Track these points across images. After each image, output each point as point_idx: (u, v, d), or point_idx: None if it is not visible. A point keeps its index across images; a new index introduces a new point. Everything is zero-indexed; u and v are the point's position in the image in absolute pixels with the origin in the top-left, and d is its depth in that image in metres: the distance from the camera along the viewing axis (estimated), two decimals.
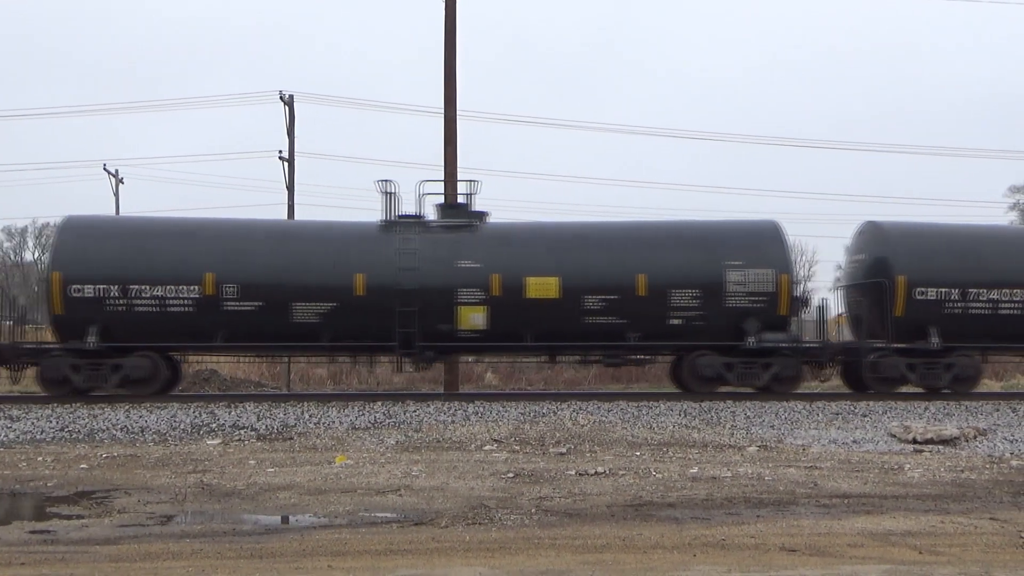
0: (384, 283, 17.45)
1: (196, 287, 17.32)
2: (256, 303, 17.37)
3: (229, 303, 17.36)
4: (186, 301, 17.31)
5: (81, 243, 17.68)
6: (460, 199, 19.21)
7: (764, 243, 18.30)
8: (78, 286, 17.22)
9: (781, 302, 17.87)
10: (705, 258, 17.99)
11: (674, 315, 17.75)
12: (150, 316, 17.30)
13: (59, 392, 17.38)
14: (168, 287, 17.29)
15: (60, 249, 17.69)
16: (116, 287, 17.23)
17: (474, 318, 17.60)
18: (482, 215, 18.51)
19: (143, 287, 17.26)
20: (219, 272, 17.38)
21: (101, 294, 17.23)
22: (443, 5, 22.40)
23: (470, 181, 18.64)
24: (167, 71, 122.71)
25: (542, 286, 17.65)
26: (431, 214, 18.69)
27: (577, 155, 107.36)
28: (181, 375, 19.65)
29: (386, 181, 18.46)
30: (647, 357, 19.28)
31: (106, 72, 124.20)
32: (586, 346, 18.24)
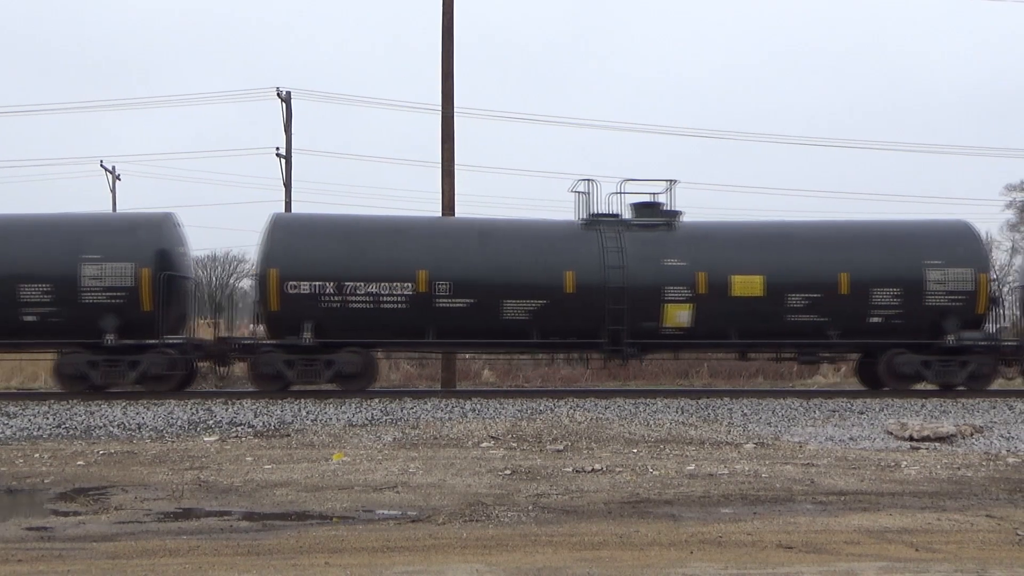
0: (592, 281, 17.77)
1: (410, 284, 17.63)
2: (468, 300, 17.68)
3: (441, 300, 17.66)
4: (399, 298, 17.62)
5: (296, 241, 18.00)
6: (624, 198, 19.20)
7: (963, 242, 18.70)
8: (294, 283, 17.51)
9: (979, 301, 18.26)
10: (906, 257, 18.36)
11: (874, 313, 18.12)
12: (364, 312, 17.61)
13: (270, 388, 17.71)
14: (382, 284, 17.62)
15: (275, 247, 17.87)
16: (332, 284, 17.54)
17: (680, 316, 17.92)
18: (677, 214, 18.88)
19: (358, 284, 17.59)
20: (432, 269, 17.69)
21: (317, 291, 17.53)
22: (440, 3, 22.40)
23: (670, 181, 18.95)
24: (166, 69, 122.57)
25: (747, 284, 17.96)
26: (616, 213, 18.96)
27: (553, 151, 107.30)
28: (378, 371, 19.76)
29: (587, 180, 18.93)
30: (838, 355, 19.92)
31: (100, 69, 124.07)
32: (789, 343, 18.63)
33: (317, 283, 17.48)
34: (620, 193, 18.84)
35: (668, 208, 18.79)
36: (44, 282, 17.34)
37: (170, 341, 17.70)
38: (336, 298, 17.49)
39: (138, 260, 17.45)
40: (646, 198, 18.94)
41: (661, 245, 18.16)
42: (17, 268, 17.41)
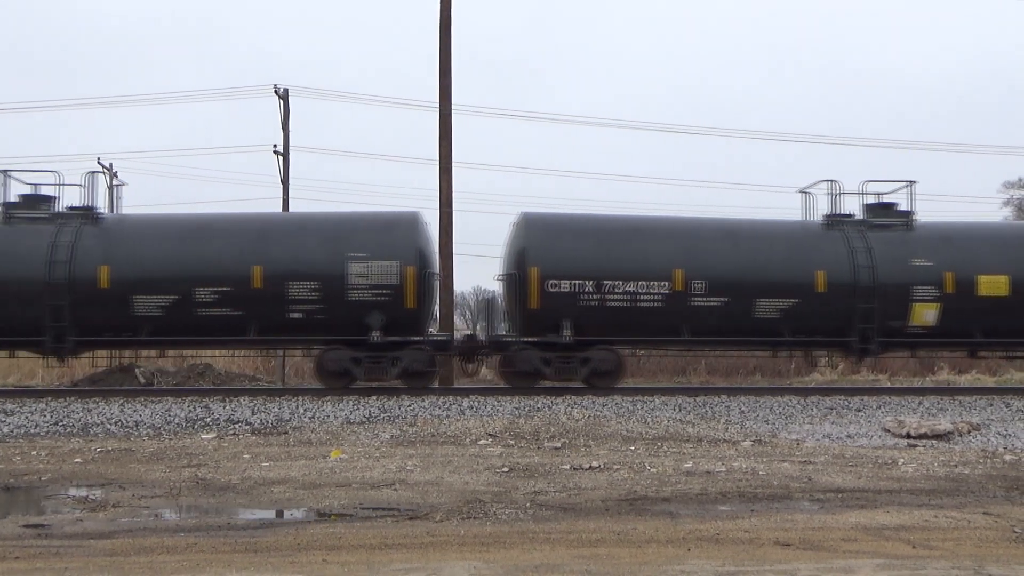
0: (842, 280, 18.19)
1: (666, 283, 17.94)
2: (722, 299, 18.02)
3: (696, 299, 17.96)
4: (655, 297, 17.93)
5: (554, 240, 18.33)
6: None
7: None
8: (554, 281, 17.83)
9: None
10: None
11: None
12: (621, 311, 17.95)
13: (522, 384, 18.15)
14: (639, 283, 17.93)
15: (534, 245, 18.17)
16: (591, 283, 17.87)
17: (926, 315, 18.35)
18: (911, 214, 19.17)
19: (616, 282, 17.92)
20: (687, 268, 17.99)
21: (576, 289, 17.84)
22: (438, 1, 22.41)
23: (911, 182, 19.24)
24: (163, 65, 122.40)
25: (992, 284, 18.40)
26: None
27: (536, 147, 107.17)
28: (625, 369, 20.04)
29: (831, 181, 19.31)
30: None
31: (96, 66, 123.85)
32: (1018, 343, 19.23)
33: (576, 282, 17.91)
34: (861, 194, 19.34)
35: (903, 209, 19.21)
36: (312, 280, 17.61)
37: (434, 338, 18.40)
38: (595, 296, 17.89)
39: (403, 258, 17.82)
40: (871, 198, 19.32)
41: (906, 245, 18.63)
42: (286, 267, 17.66)
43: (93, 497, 9.27)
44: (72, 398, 16.98)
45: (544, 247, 18.11)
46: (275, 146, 36.29)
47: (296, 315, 17.63)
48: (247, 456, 11.73)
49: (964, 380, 27.13)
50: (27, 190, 18.66)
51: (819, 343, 18.99)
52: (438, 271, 19.68)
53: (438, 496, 9.09)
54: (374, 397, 16.98)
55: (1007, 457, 12.09)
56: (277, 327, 17.79)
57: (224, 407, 15.95)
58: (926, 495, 9.28)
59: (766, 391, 18.57)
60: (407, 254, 17.82)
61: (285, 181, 35.60)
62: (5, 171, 18.55)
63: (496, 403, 16.33)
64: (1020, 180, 51.63)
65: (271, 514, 8.54)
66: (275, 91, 35.89)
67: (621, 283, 17.84)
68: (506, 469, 10.59)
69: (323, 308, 17.58)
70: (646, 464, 10.95)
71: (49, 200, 18.50)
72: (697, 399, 17.13)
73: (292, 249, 17.81)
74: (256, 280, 17.54)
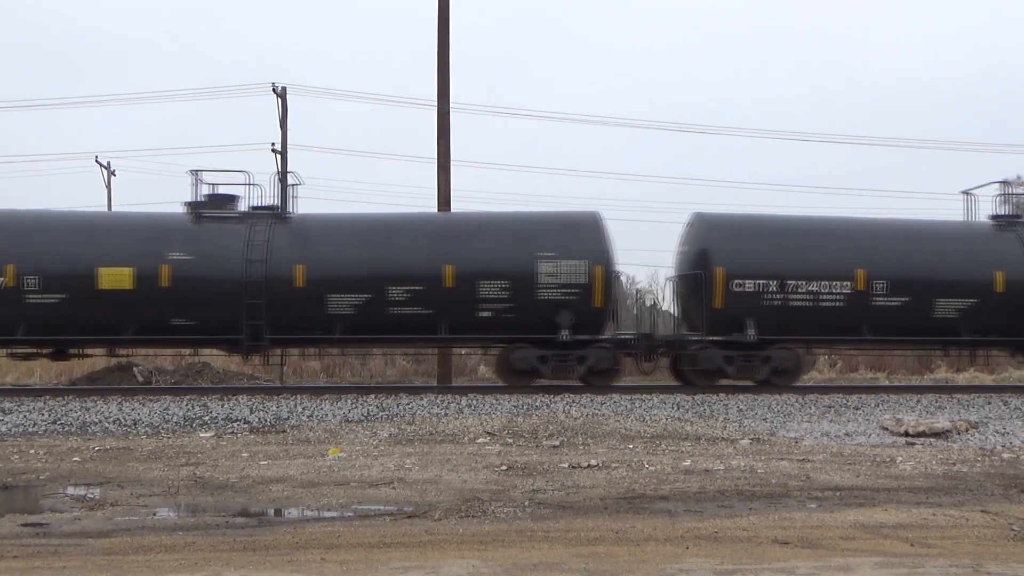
0: (1020, 279, 18.62)
1: (848, 282, 18.35)
2: (902, 299, 18.43)
3: (877, 298, 18.40)
4: (837, 296, 18.34)
5: (737, 240, 18.73)
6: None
7: None
8: (739, 281, 18.19)
9: None
10: None
11: None
12: (803, 310, 18.33)
13: (702, 382, 18.62)
14: (821, 282, 18.33)
15: (717, 246, 18.55)
16: (775, 282, 18.27)
17: None
18: None
19: (799, 282, 18.29)
20: (869, 268, 18.40)
21: (760, 289, 18.24)
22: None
23: None
24: (162, 63, 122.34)
25: None
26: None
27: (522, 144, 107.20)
28: (803, 368, 20.37)
29: (1003, 183, 19.85)
30: None
31: (92, 63, 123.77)
32: None
33: (760, 281, 18.32)
34: (1008, 194, 19.86)
35: None
36: (502, 279, 17.92)
37: (620, 336, 18.70)
38: (778, 296, 18.31)
39: (591, 257, 18.23)
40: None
41: None
42: (477, 266, 18.01)
43: (91, 496, 9.27)
44: (70, 397, 16.98)
45: (728, 248, 18.61)
46: (273, 144, 36.31)
47: (486, 313, 18.02)
48: (245, 455, 11.72)
49: (962, 379, 27.17)
50: (205, 189, 18.96)
51: (995, 342, 19.43)
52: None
53: (436, 494, 9.09)
54: (372, 395, 17.00)
55: (1005, 455, 12.10)
56: (466, 325, 18.12)
57: (222, 406, 15.96)
58: (924, 493, 9.28)
59: (764, 389, 18.58)
60: (595, 253, 18.30)
61: (283, 179, 35.62)
62: (196, 170, 18.80)
63: (495, 401, 16.34)
64: (1019, 178, 51.66)
65: (269, 512, 8.54)
66: (273, 89, 35.93)
67: (804, 283, 18.32)
68: (504, 467, 10.60)
69: (512, 307, 17.99)
70: (644, 462, 10.95)
71: (234, 199, 18.80)
72: (695, 397, 17.14)
73: (483, 249, 18.24)
74: (448, 279, 17.89)
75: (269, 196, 19.14)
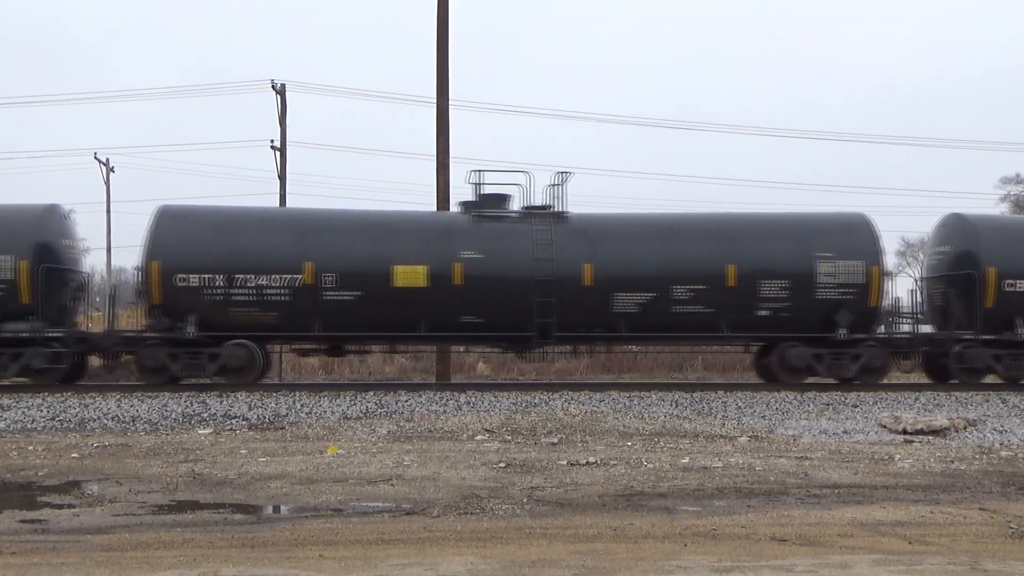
0: None
1: None
2: None
3: None
4: None
5: (1007, 242, 19.22)
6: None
7: None
8: (1011, 281, 18.88)
9: None
10: None
11: None
12: None
13: (972, 380, 18.91)
14: None
15: (987, 248, 19.12)
16: None
17: None
18: None
19: None
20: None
21: None
22: None
23: None
24: (160, 60, 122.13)
25: None
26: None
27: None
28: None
29: None
30: None
31: (89, 61, 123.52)
32: None
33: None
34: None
35: None
36: (782, 278, 18.24)
37: (895, 336, 19.19)
38: None
39: (867, 258, 18.58)
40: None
41: None
42: (758, 266, 18.35)
43: (90, 492, 9.27)
44: (69, 393, 16.96)
45: (999, 248, 19.06)
46: (272, 141, 36.28)
47: (764, 312, 18.34)
48: (244, 451, 11.72)
49: None
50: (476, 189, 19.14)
51: None
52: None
53: (435, 491, 9.09)
54: (371, 392, 17.00)
55: (1003, 453, 12.11)
56: (745, 324, 18.38)
57: (221, 402, 15.95)
58: (922, 491, 9.29)
59: (763, 387, 18.58)
60: (870, 254, 18.64)
61: (282, 176, 35.58)
62: (478, 170, 19.00)
63: (493, 398, 16.34)
64: (1017, 175, 51.71)
65: (268, 509, 8.54)
66: (272, 86, 35.88)
67: None
68: (503, 465, 10.60)
69: (790, 306, 18.33)
70: (643, 460, 10.95)
71: (507, 199, 19.00)
72: (694, 395, 17.15)
73: (763, 249, 18.57)
74: (730, 278, 18.17)
75: (530, 195, 19.25)
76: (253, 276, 17.61)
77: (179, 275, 17.54)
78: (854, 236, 18.84)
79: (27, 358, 17.53)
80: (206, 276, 17.56)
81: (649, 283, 18.10)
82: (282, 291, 17.69)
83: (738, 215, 20.04)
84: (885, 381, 19.45)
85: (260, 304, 17.66)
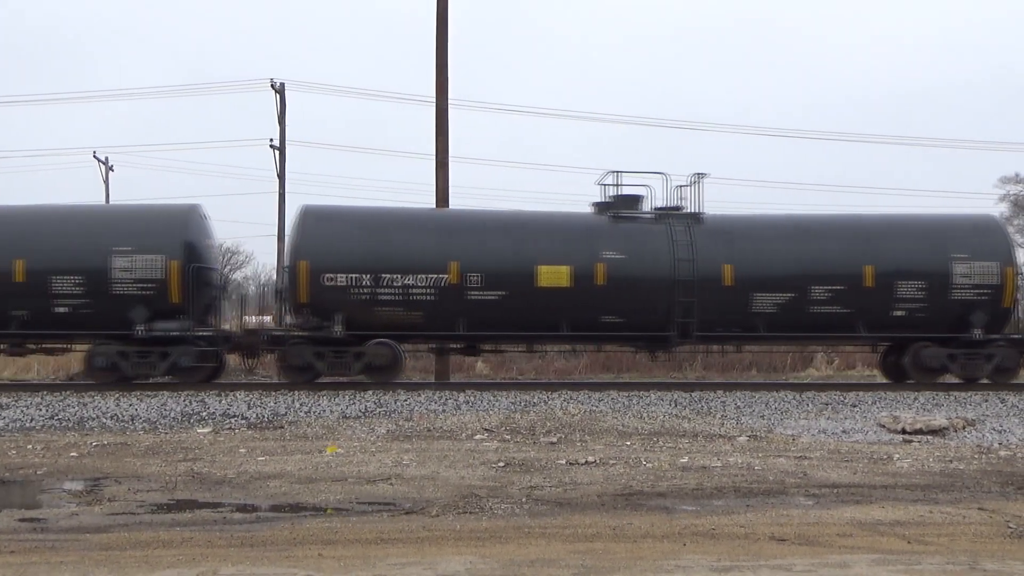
0: None
1: None
2: None
3: None
4: None
5: None
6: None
7: None
8: None
9: None
10: None
11: None
12: None
13: None
14: None
15: None
16: None
17: None
18: None
19: None
20: None
21: None
22: None
23: None
24: (159, 59, 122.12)
25: None
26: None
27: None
28: None
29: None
30: None
31: (88, 61, 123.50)
32: None
33: None
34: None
35: None
36: (918, 279, 18.54)
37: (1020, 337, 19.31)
38: None
39: (1001, 259, 18.84)
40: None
41: None
42: (895, 266, 18.60)
43: (89, 491, 9.26)
44: (68, 392, 16.95)
45: None
46: (271, 140, 36.27)
47: (899, 313, 18.59)
48: (243, 450, 11.72)
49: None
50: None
51: None
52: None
53: (434, 491, 9.09)
54: (370, 392, 17.00)
55: (1002, 453, 12.11)
56: (880, 324, 18.60)
57: (220, 401, 15.94)
58: (921, 490, 9.29)
59: (762, 386, 18.59)
60: (1004, 255, 18.91)
61: (282, 175, 35.57)
62: (615, 171, 19.18)
63: (492, 398, 16.33)
64: (1017, 175, 51.73)
65: (267, 508, 8.53)
66: (272, 85, 35.87)
67: None
68: (502, 464, 10.60)
69: (925, 306, 18.55)
70: (642, 459, 10.95)
71: (639, 199, 19.11)
72: (693, 394, 17.15)
73: (900, 250, 18.83)
74: (868, 279, 18.39)
75: (678, 197, 19.38)
76: (399, 276, 17.79)
77: (327, 275, 17.71)
78: (988, 237, 19.10)
79: (175, 356, 17.67)
80: (353, 276, 17.74)
81: (788, 283, 18.33)
82: (428, 291, 17.89)
83: (872, 216, 20.30)
84: (883, 380, 19.43)
85: (405, 303, 17.85)
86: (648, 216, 18.97)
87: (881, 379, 20.92)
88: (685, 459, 10.99)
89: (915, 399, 16.80)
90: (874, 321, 18.50)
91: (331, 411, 15.26)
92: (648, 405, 15.93)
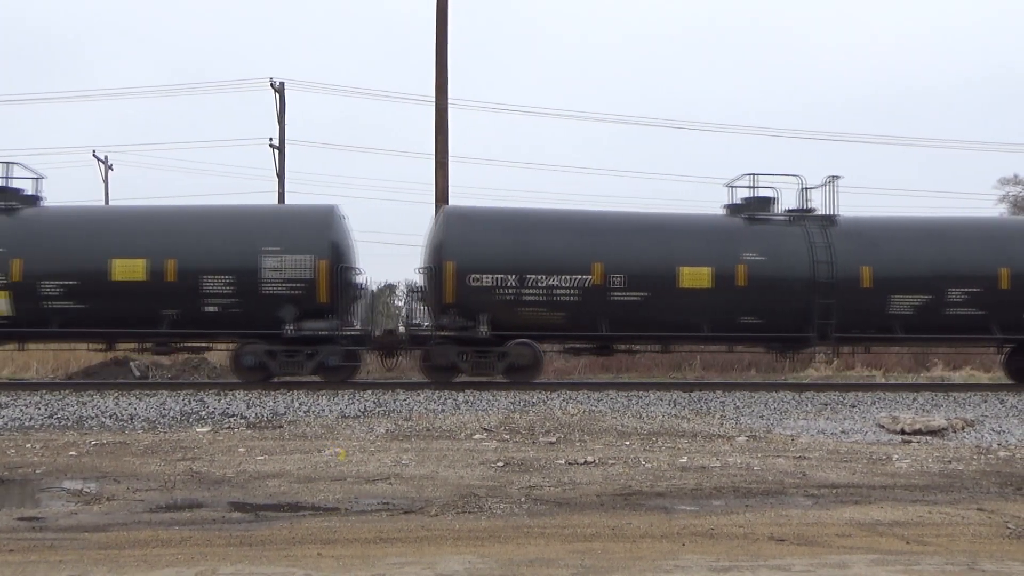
0: None
1: None
2: None
3: None
4: None
5: None
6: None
7: None
8: None
9: None
10: None
11: None
12: None
13: None
14: None
15: None
16: None
17: None
18: None
19: None
20: None
21: None
22: None
23: None
24: (159, 58, 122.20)
25: None
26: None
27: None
28: None
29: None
30: None
31: (88, 60, 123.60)
32: None
33: None
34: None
35: None
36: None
37: None
38: None
39: None
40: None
41: None
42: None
43: (88, 490, 9.26)
44: (67, 391, 16.96)
45: None
46: (271, 139, 36.29)
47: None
48: (242, 450, 11.72)
49: (958, 376, 27.20)
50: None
51: None
52: None
53: (433, 490, 9.09)
54: (369, 391, 17.01)
55: (1001, 453, 12.12)
56: (1014, 325, 19.00)
57: (219, 401, 15.95)
58: (920, 491, 9.30)
59: (761, 387, 18.62)
60: None
61: (281, 174, 35.59)
62: (752, 174, 19.35)
63: (491, 398, 16.34)
64: (1016, 176, 51.77)
65: (266, 508, 8.53)
66: (271, 84, 35.89)
67: None
68: (501, 463, 10.60)
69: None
70: (641, 459, 10.96)
71: (771, 202, 19.30)
72: (692, 394, 17.16)
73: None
74: (1003, 281, 18.83)
75: (806, 200, 19.52)
76: (544, 276, 17.97)
77: (472, 275, 17.91)
78: None
79: (323, 356, 17.81)
80: (498, 276, 17.94)
81: (925, 285, 18.54)
82: (571, 291, 18.08)
83: (1003, 219, 20.55)
84: (883, 381, 19.45)
85: (548, 304, 18.04)
86: (782, 218, 19.16)
87: (881, 379, 20.94)
88: (684, 459, 11.00)
89: (914, 399, 16.82)
90: (1008, 322, 18.74)
91: (330, 411, 15.26)
92: (647, 405, 15.94)
